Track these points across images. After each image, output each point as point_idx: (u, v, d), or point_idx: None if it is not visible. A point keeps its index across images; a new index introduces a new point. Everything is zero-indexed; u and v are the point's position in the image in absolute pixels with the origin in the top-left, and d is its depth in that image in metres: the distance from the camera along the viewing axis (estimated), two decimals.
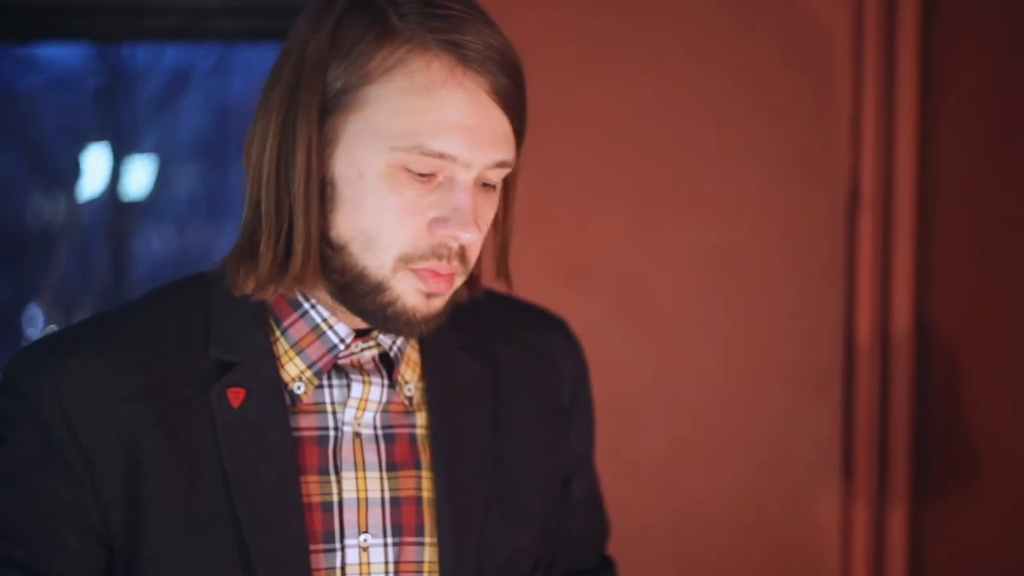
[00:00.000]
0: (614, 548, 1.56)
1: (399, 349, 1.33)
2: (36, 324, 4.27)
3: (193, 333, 1.28)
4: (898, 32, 2.23)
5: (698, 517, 2.30)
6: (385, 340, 1.32)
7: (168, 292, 1.35)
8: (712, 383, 2.30)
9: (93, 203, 4.34)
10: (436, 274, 1.23)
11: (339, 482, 1.27)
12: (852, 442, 2.28)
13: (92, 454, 1.22)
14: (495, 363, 1.39)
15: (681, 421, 2.29)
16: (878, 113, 2.26)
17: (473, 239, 1.22)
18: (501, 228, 1.34)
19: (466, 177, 1.22)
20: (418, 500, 1.29)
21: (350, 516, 1.27)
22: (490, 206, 1.27)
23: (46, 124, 4.25)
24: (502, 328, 1.44)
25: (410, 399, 1.33)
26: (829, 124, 2.29)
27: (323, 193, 1.23)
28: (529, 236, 2.28)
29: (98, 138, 4.26)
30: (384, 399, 1.31)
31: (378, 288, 1.23)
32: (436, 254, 1.22)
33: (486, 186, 1.25)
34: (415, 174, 1.21)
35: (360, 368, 1.31)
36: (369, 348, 1.32)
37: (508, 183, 1.34)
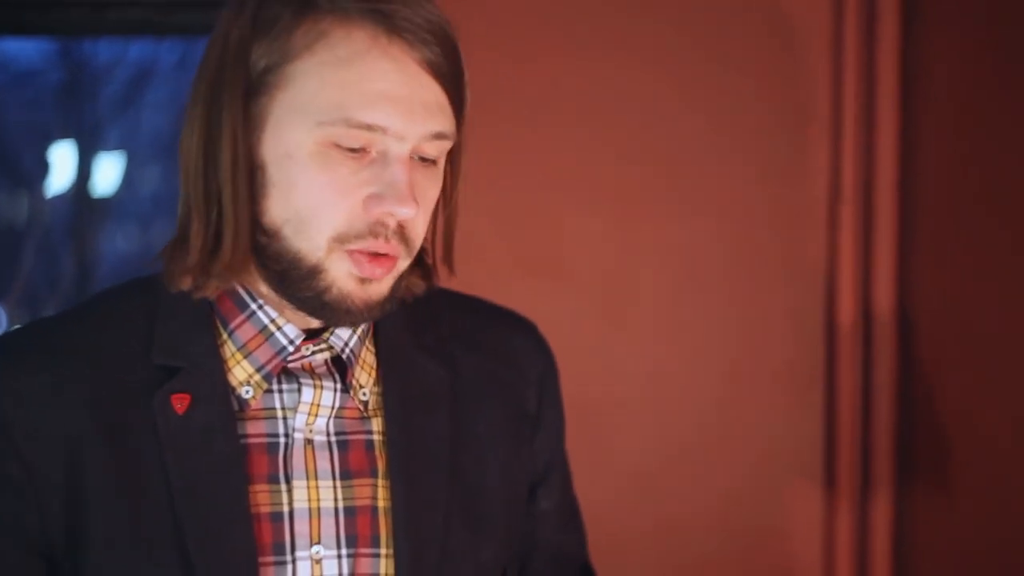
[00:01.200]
0: (593, 550, 1.48)
1: (352, 351, 1.25)
2: (0, 324, 4.21)
3: (136, 338, 1.22)
4: (878, 26, 2.20)
5: (679, 519, 2.26)
6: (337, 342, 1.24)
7: (112, 296, 1.27)
8: (692, 383, 2.26)
9: (57, 201, 4.28)
10: (373, 257, 1.16)
11: (290, 491, 1.20)
12: (835, 441, 2.25)
13: (33, 467, 1.16)
14: (455, 367, 1.32)
15: (660, 422, 2.25)
16: (858, 108, 2.22)
17: (410, 214, 1.15)
18: (445, 209, 1.27)
19: (400, 150, 1.15)
20: (373, 510, 1.23)
21: (301, 527, 1.20)
22: (431, 182, 1.20)
23: (8, 121, 4.18)
24: (463, 330, 1.36)
25: (365, 404, 1.26)
26: (809, 119, 2.25)
27: (254, 179, 1.17)
28: (503, 233, 2.24)
29: (61, 135, 4.20)
30: (337, 404, 1.24)
31: (313, 273, 1.16)
32: (373, 232, 1.15)
33: (425, 161, 1.18)
34: (345, 150, 1.14)
35: (312, 372, 1.24)
36: (320, 351, 1.24)
37: (453, 161, 1.26)
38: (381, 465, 1.24)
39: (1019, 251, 1.92)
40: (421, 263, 1.29)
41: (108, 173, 4.32)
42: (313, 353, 1.24)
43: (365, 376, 1.26)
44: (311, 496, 1.21)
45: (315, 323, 1.23)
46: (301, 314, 1.22)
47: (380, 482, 1.24)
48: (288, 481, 1.21)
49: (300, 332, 1.22)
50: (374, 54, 1.14)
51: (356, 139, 1.14)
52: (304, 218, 1.15)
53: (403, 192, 1.14)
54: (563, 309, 2.24)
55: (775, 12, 2.23)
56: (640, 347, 2.27)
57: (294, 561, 1.20)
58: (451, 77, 1.18)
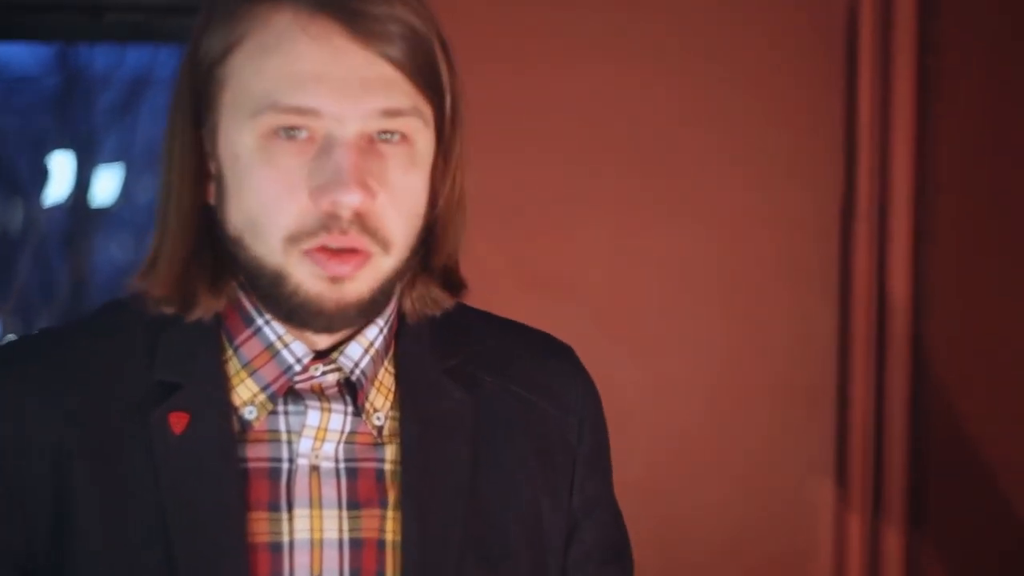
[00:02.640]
0: None
1: (363, 373, 1.16)
2: None
3: (138, 351, 1.14)
4: (894, 34, 2.14)
5: (685, 537, 2.19)
6: (346, 362, 1.15)
7: (116, 307, 1.19)
8: (699, 397, 2.20)
9: (52, 209, 4.23)
10: (334, 254, 1.07)
11: (291, 520, 1.12)
12: (846, 459, 2.18)
13: (18, 483, 1.10)
14: (481, 392, 1.22)
15: (667, 437, 2.18)
16: (873, 117, 2.16)
17: (355, 200, 1.05)
18: (432, 208, 1.16)
19: (343, 132, 1.06)
20: (380, 543, 1.14)
21: (302, 559, 1.12)
22: (400, 167, 1.10)
23: (2, 127, 4.11)
24: (493, 353, 1.26)
25: (379, 429, 1.16)
26: (823, 127, 2.19)
27: (218, 188, 1.10)
28: (504, 244, 2.17)
29: (57, 142, 4.14)
30: (348, 429, 1.15)
31: (276, 279, 1.09)
32: (325, 227, 1.06)
33: (391, 144, 1.09)
34: (286, 140, 1.06)
35: (321, 393, 1.15)
36: (331, 371, 1.15)
37: (447, 154, 1.17)
38: (392, 495, 1.15)
39: None
40: (445, 274, 1.20)
41: (103, 181, 4.26)
42: (323, 373, 1.15)
43: (381, 399, 1.17)
44: (313, 526, 1.13)
45: (324, 342, 1.15)
46: (309, 331, 1.13)
47: (390, 513, 1.15)
48: (290, 509, 1.12)
49: (308, 351, 1.14)
50: (293, 33, 1.06)
51: (291, 123, 1.06)
52: (257, 220, 1.08)
53: (344, 178, 1.05)
54: (564, 322, 2.13)
55: (788, 20, 2.18)
56: (644, 360, 2.21)
57: None
58: (399, 43, 1.08)
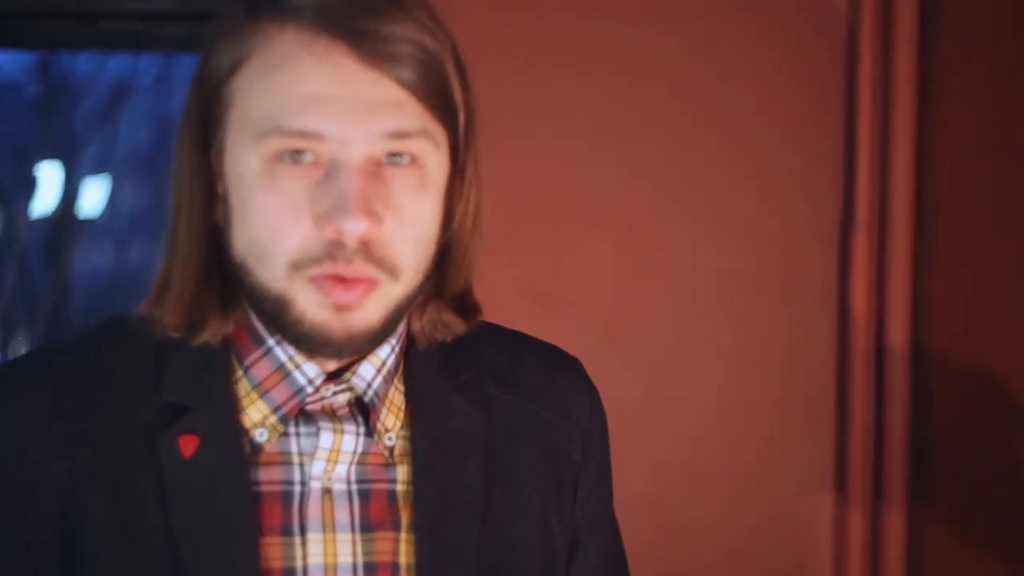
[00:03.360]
0: None
1: (376, 393, 1.13)
2: None
3: (146, 371, 1.10)
4: (894, 45, 2.11)
5: (685, 549, 2.16)
6: (359, 383, 1.12)
7: (118, 325, 1.15)
8: (700, 410, 2.17)
9: (30, 217, 4.17)
10: (339, 281, 1.03)
11: (304, 544, 1.08)
12: (846, 472, 2.15)
13: (27, 508, 1.06)
14: (492, 408, 1.19)
15: (668, 451, 2.15)
16: (873, 127, 2.14)
17: (362, 229, 1.01)
18: (445, 230, 1.12)
19: (348, 157, 1.02)
20: (395, 566, 1.11)
21: None
22: (408, 190, 1.05)
23: None
24: (503, 368, 1.23)
25: (391, 450, 1.13)
26: (823, 139, 2.16)
27: (224, 211, 1.07)
28: (505, 258, 2.13)
29: (38, 150, 4.08)
30: (360, 449, 1.12)
31: (281, 305, 1.05)
32: (330, 255, 1.02)
33: (400, 167, 1.04)
34: (290, 164, 1.02)
35: (333, 414, 1.12)
36: (342, 391, 1.12)
37: (462, 175, 1.13)
38: (405, 517, 1.12)
39: None
40: (458, 299, 1.16)
41: (85, 190, 4.21)
42: (334, 394, 1.12)
43: (392, 419, 1.14)
44: (327, 551, 1.10)
45: (335, 363, 1.11)
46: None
47: (403, 536, 1.12)
48: (303, 533, 1.09)
49: (320, 372, 1.10)
50: (297, 53, 1.02)
51: (296, 147, 1.02)
52: (261, 246, 1.04)
53: (350, 204, 1.00)
54: (565, 333, 2.11)
55: (788, 30, 2.15)
56: (646, 373, 2.18)
57: None
58: (408, 64, 1.03)
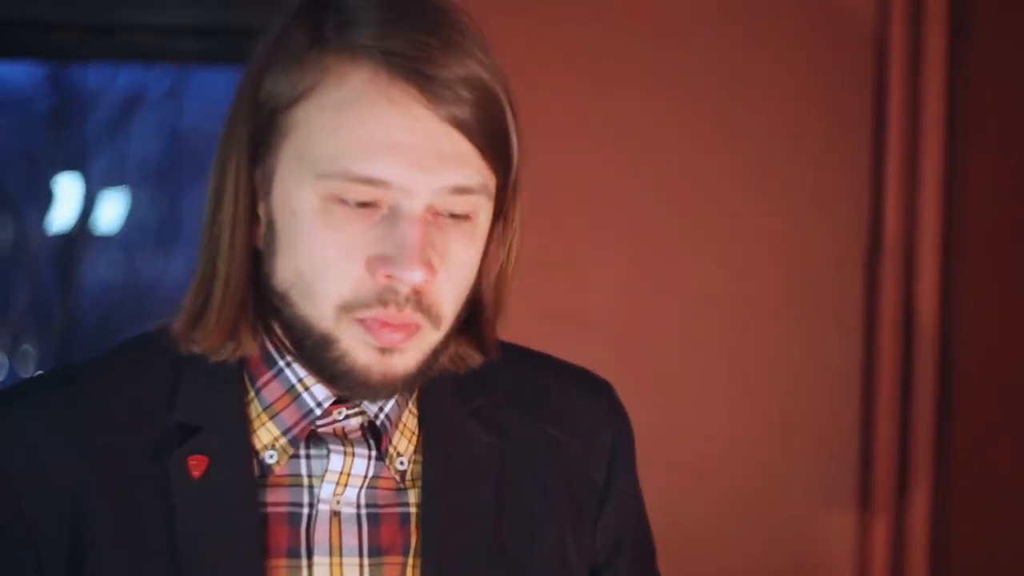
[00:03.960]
0: None
1: (388, 417, 1.11)
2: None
3: (159, 390, 1.09)
4: (924, 65, 2.07)
5: (701, 571, 2.11)
6: (370, 407, 1.11)
7: (135, 345, 1.14)
8: (717, 438, 2.13)
9: (42, 228, 4.16)
10: (387, 323, 1.02)
11: (310, 568, 1.07)
12: (870, 508, 2.11)
13: (36, 525, 1.05)
14: (506, 433, 1.17)
15: (682, 479, 2.11)
16: (903, 150, 2.10)
17: (418, 279, 1.00)
18: (487, 274, 1.13)
19: (411, 206, 1.00)
20: None
21: None
22: (461, 242, 1.04)
23: None
24: (522, 391, 1.20)
25: (402, 474, 1.12)
26: (849, 160, 2.12)
27: (268, 237, 1.05)
28: (518, 276, 2.09)
29: (49, 162, 4.06)
30: (371, 473, 1.10)
31: (324, 342, 1.04)
32: (382, 300, 1.01)
33: (455, 217, 1.03)
34: (351, 206, 1.01)
35: (344, 437, 1.10)
36: (354, 415, 1.11)
37: (506, 221, 1.13)
38: (414, 542, 1.11)
39: None
40: (475, 331, 1.14)
41: (96, 202, 4.19)
42: (347, 417, 1.10)
43: (405, 443, 1.13)
44: (333, 574, 1.08)
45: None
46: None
47: (411, 561, 1.10)
48: (309, 556, 1.08)
49: (329, 395, 1.09)
50: (371, 97, 1.00)
51: (360, 194, 1.00)
52: (309, 282, 1.03)
53: (410, 254, 1.00)
54: (581, 353, 2.06)
55: (817, 46, 2.11)
56: (662, 399, 2.14)
57: None
58: (476, 120, 1.02)
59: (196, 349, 1.08)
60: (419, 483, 1.12)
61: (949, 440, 2.09)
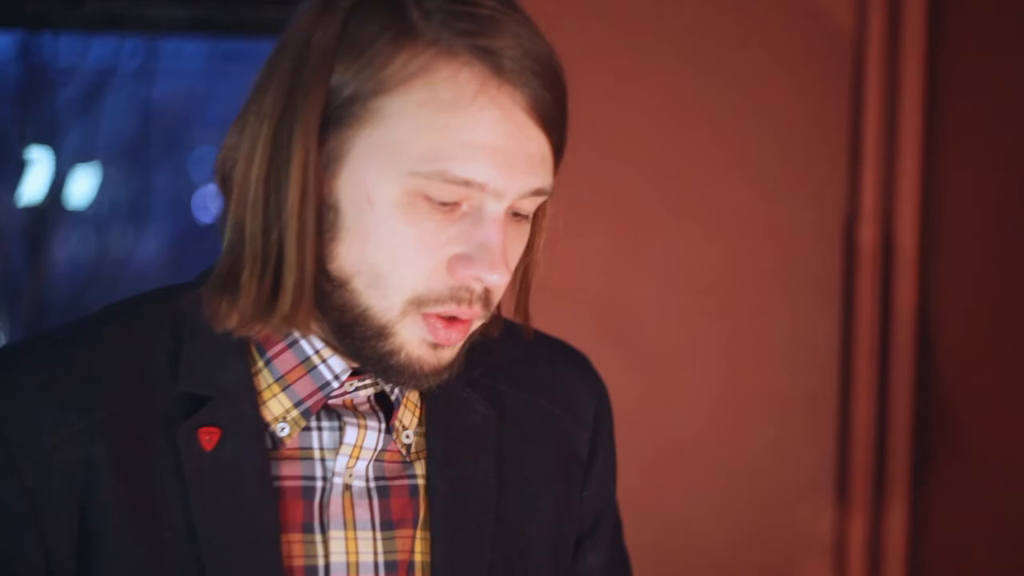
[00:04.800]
0: None
1: (400, 390, 1.11)
2: None
3: (159, 361, 1.06)
4: (903, 37, 2.07)
5: (683, 549, 2.11)
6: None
7: (130, 310, 1.11)
8: (699, 407, 2.12)
9: (11, 202, 4.10)
10: (449, 322, 1.02)
11: (326, 543, 1.06)
12: (848, 471, 2.10)
13: (39, 500, 1.02)
14: (503, 404, 1.18)
15: (666, 444, 2.10)
16: (881, 121, 2.09)
17: (501, 281, 1.02)
18: (524, 260, 1.13)
19: (496, 208, 1.01)
20: (411, 564, 1.09)
21: None
22: (520, 240, 1.07)
23: None
24: (514, 364, 1.21)
25: (408, 447, 1.11)
26: (828, 132, 2.11)
27: (322, 219, 1.02)
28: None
29: (18, 135, 4.00)
30: (380, 446, 1.09)
31: (381, 333, 1.02)
32: (455, 297, 1.01)
33: (517, 216, 1.05)
34: (435, 203, 1.00)
35: (354, 409, 1.09)
36: (365, 387, 1.10)
37: (544, 214, 1.14)
38: (422, 515, 1.10)
39: None
40: (495, 319, 1.16)
41: (66, 177, 4.14)
42: (357, 389, 1.09)
43: (410, 416, 1.12)
44: (349, 548, 1.07)
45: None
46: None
47: (419, 533, 1.09)
48: (324, 531, 1.06)
49: (346, 367, 1.08)
50: (481, 101, 0.99)
51: (450, 194, 0.99)
52: (380, 273, 1.01)
53: (496, 256, 1.00)
54: (564, 328, 2.07)
55: (796, 22, 2.10)
56: (642, 368, 2.14)
57: None
58: (557, 122, 1.03)
59: (229, 327, 1.04)
60: (423, 455, 1.12)
61: (927, 407, 2.09)
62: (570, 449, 1.21)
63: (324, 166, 1.02)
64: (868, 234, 2.06)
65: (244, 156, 1.02)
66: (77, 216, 4.28)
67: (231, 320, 1.04)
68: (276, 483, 1.06)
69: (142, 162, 4.39)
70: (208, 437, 1.04)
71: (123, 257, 4.42)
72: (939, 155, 2.06)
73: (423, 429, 1.12)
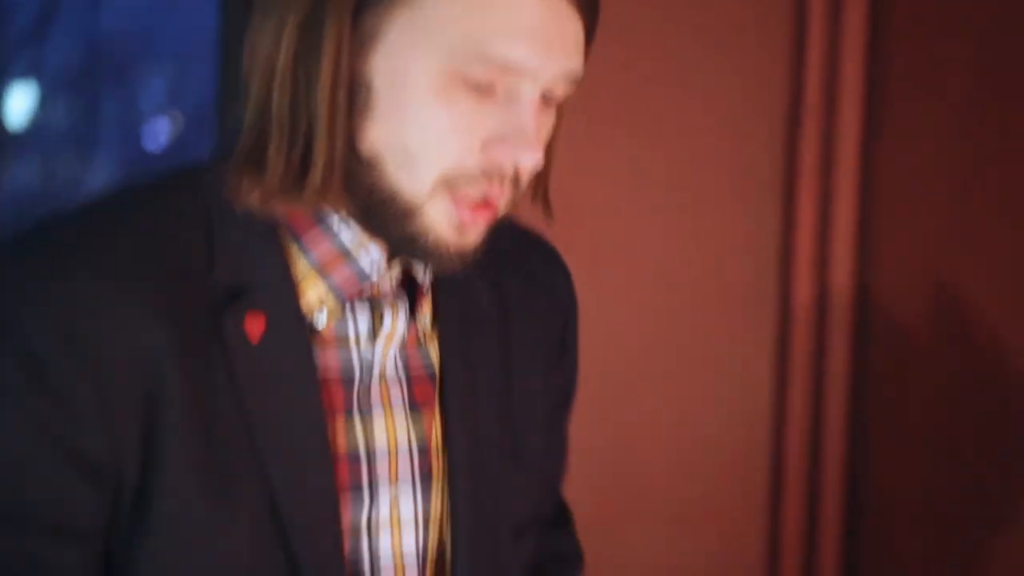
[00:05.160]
0: None
1: (426, 275, 1.11)
2: None
3: (193, 249, 1.04)
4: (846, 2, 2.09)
5: (632, 446, 2.13)
6: (418, 265, 1.11)
7: (156, 195, 1.08)
8: (642, 306, 2.12)
9: None
10: (478, 205, 1.02)
11: (366, 427, 1.08)
12: (783, 424, 2.16)
13: (108, 388, 0.99)
14: (499, 287, 1.20)
15: (609, 345, 2.11)
16: (821, 77, 2.08)
17: (535, 162, 1.01)
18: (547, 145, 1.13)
19: (531, 90, 1.00)
20: (433, 446, 1.12)
21: (382, 465, 1.09)
22: (549, 125, 1.07)
23: None
24: (507, 252, 1.21)
25: (424, 332, 1.12)
26: (768, 90, 2.12)
27: (354, 98, 1.02)
28: None
29: None
30: (405, 332, 1.10)
31: (410, 213, 1.02)
32: (487, 176, 1.01)
33: (546, 100, 1.04)
34: (471, 84, 1.00)
35: (383, 296, 1.10)
36: (394, 273, 1.10)
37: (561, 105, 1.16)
38: (437, 396, 1.12)
39: (991, 227, 1.86)
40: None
41: (11, 103, 4.11)
42: (385, 275, 1.10)
43: (426, 301, 1.13)
44: (389, 432, 1.09)
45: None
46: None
47: (436, 414, 1.12)
48: (365, 415, 1.08)
49: (382, 253, 1.06)
50: None
51: (487, 74, 0.99)
52: (412, 152, 1.01)
53: (531, 137, 1.00)
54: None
55: None
56: (589, 274, 2.15)
57: (373, 499, 1.09)
58: (592, 5, 1.04)
59: (252, 203, 1.03)
60: (435, 339, 1.13)
61: (865, 361, 2.10)
62: (551, 332, 1.24)
63: (359, 44, 1.01)
64: (807, 187, 2.08)
65: (270, 35, 1.02)
66: (24, 142, 4.26)
67: (254, 196, 1.03)
68: (318, 371, 1.06)
69: (88, 90, 4.35)
70: (253, 327, 1.05)
71: (68, 182, 4.39)
72: (879, 108, 2.06)
73: (434, 312, 1.13)
